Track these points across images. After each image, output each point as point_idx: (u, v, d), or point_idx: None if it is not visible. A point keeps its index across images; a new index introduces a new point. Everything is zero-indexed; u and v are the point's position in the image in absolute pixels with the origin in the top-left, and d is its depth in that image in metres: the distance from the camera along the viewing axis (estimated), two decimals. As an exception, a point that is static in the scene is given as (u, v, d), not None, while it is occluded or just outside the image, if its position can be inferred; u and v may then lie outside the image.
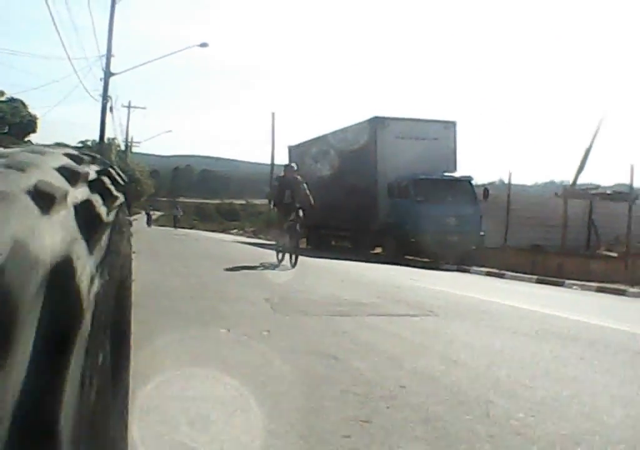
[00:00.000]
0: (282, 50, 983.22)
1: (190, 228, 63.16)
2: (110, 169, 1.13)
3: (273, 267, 14.01)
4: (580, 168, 24.97)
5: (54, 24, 41.32)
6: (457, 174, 24.29)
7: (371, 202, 24.05)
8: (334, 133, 29.03)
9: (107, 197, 0.95)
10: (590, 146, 24.83)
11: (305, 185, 15.21)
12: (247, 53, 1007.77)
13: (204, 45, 31.04)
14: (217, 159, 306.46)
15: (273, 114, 50.81)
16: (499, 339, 6.31)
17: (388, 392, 4.12)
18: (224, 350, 5.08)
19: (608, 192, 26.39)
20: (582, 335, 6.72)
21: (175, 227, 56.98)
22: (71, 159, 0.89)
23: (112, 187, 1.04)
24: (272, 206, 18.20)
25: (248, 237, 43.69)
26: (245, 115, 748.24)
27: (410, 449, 3.13)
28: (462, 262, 19.80)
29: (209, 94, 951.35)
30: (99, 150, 32.24)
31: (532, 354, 5.56)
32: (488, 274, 18.00)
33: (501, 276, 17.46)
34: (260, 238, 39.83)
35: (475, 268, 18.80)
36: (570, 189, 24.89)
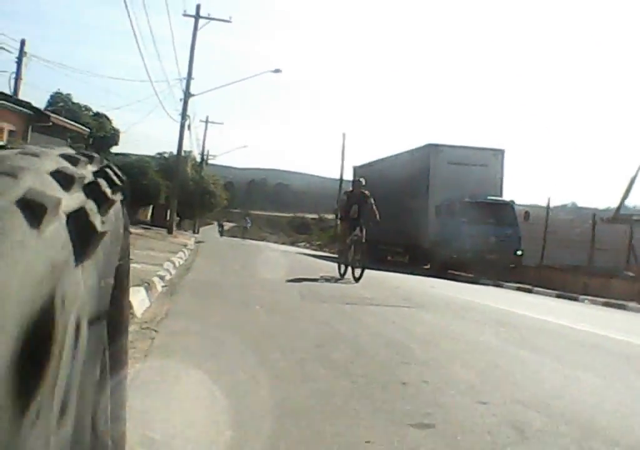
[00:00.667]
0: (354, 70, 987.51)
1: (261, 240, 65.72)
2: (107, 169, 1.04)
3: (334, 280, 14.55)
4: (625, 196, 26.66)
5: (140, 50, 44.55)
6: (502, 198, 26.27)
7: (422, 221, 26.47)
8: (395, 156, 32.09)
9: (102, 202, 0.87)
10: (636, 175, 26.45)
11: (372, 200, 15.49)
12: (318, 72, 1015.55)
13: (277, 71, 33.94)
14: (293, 173, 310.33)
15: (344, 134, 54.16)
16: (459, 323, 8.60)
17: (347, 337, 6.52)
18: (258, 317, 7.57)
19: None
20: (546, 327, 9.00)
21: (243, 237, 60.00)
22: (67, 160, 0.86)
23: (108, 190, 0.95)
24: (338, 220, 18.73)
25: (314, 250, 46.22)
26: (320, 131, 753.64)
27: (338, 357, 5.53)
28: (499, 278, 21.78)
29: (285, 110, 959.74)
30: (176, 162, 35.29)
31: (476, 334, 7.88)
32: (518, 288, 19.96)
33: (529, 291, 19.45)
34: (324, 251, 42.36)
35: (508, 284, 20.80)
36: (616, 215, 26.64)
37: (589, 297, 17.43)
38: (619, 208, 26.99)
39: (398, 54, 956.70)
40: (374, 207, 15.33)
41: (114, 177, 1.05)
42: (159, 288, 8.78)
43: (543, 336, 8.06)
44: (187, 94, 31.71)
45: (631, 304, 16.23)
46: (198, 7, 32.47)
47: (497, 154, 27.56)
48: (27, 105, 22.83)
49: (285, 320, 7.41)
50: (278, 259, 23.30)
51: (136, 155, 49.49)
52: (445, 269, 24.02)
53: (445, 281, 19.45)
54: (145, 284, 7.82)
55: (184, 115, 31.52)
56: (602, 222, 26.14)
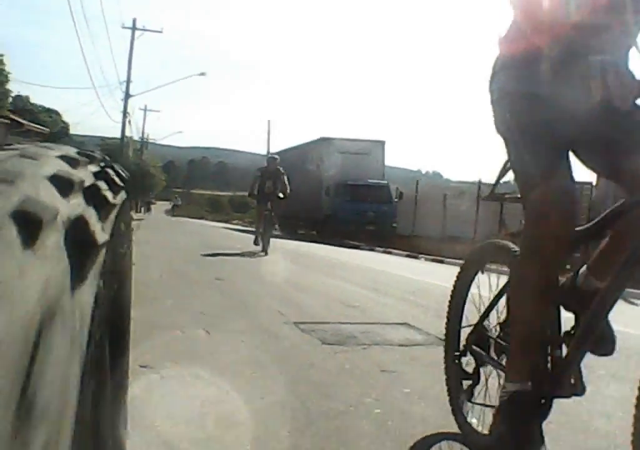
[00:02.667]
0: (282, 53, 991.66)
1: (200, 218, 70.86)
2: (109, 170, 0.98)
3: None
4: (500, 177, 32.49)
5: (84, 59, 50.80)
6: (381, 181, 32.93)
7: (317, 200, 33.13)
8: (298, 146, 38.98)
9: (102, 208, 0.82)
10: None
11: (286, 176, 16.74)
12: (249, 51, 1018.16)
13: (202, 74, 40.26)
14: (234, 151, 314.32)
15: (269, 122, 60.66)
16: (310, 273, 14.62)
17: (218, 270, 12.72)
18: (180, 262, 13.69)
19: (518, 196, 34.32)
20: (360, 267, 15.30)
21: (173, 215, 66.03)
22: (67, 162, 0.81)
23: (109, 194, 0.90)
24: (248, 195, 17.87)
25: (243, 226, 51.84)
26: (256, 110, 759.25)
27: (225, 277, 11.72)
28: (378, 245, 27.99)
29: (219, 92, 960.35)
30: (118, 148, 41.42)
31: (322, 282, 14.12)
32: (384, 251, 25.98)
33: (389, 253, 25.54)
34: (252, 227, 48.36)
35: (378, 248, 27.01)
36: (491, 194, 32.53)
37: (427, 256, 23.52)
38: (494, 188, 32.86)
39: (329, 47, 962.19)
40: (287, 182, 16.61)
41: (115, 177, 1.00)
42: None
43: (348, 270, 14.09)
44: (127, 95, 37.92)
45: (448, 260, 22.38)
46: (134, 20, 38.66)
47: (378, 145, 34.33)
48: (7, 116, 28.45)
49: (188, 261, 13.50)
50: (202, 231, 29.80)
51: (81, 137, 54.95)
52: (333, 238, 30.29)
53: (336, 247, 24.72)
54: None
55: (125, 114, 37.79)
56: (480, 199, 31.83)
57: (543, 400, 2.49)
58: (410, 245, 27.38)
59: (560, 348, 2.52)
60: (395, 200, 31.67)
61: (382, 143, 34.50)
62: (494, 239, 3.21)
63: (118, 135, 42.82)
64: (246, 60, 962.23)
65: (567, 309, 2.65)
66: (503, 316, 2.90)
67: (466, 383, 3.13)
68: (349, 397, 3.78)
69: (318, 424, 3.28)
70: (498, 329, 2.95)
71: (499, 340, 2.89)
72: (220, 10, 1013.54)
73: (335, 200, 31.47)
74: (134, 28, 38.55)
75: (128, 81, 37.66)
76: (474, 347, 3.07)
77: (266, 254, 15.55)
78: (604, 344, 2.58)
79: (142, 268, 9.94)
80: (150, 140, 71.02)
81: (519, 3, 2.65)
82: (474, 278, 3.27)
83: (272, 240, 16.47)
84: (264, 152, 57.81)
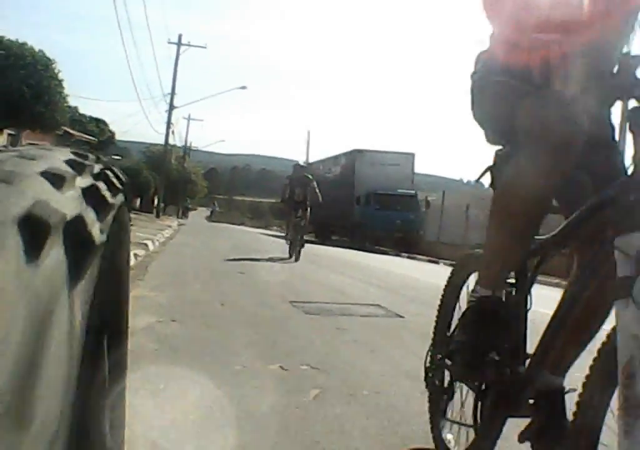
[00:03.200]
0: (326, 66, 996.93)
1: (240, 224, 72.92)
2: (107, 171, 0.97)
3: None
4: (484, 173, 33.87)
5: (131, 75, 53.33)
6: (409, 190, 34.75)
7: (349, 208, 35.07)
8: (330, 158, 41.54)
9: (101, 208, 0.81)
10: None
11: (315, 183, 16.62)
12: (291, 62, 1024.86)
13: (243, 88, 42.31)
14: (277, 158, 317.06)
15: (308, 132, 62.54)
16: (322, 270, 16.40)
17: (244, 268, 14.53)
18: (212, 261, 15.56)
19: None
20: (370, 267, 17.06)
21: (210, 220, 68.15)
22: (67, 163, 0.79)
23: (108, 194, 0.89)
24: (281, 201, 17.94)
25: (281, 232, 53.82)
26: (297, 120, 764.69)
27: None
28: (405, 251, 29.84)
29: (261, 102, 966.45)
30: (162, 156, 43.54)
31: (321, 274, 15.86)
32: (408, 257, 27.83)
33: (414, 258, 27.26)
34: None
35: (403, 254, 28.76)
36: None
37: (446, 261, 24.84)
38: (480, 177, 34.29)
39: (370, 61, 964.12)
40: (317, 190, 16.50)
41: (114, 179, 1.00)
42: (156, 244, 16.54)
43: (356, 269, 15.80)
44: (171, 107, 40.09)
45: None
46: (180, 36, 40.92)
47: (408, 157, 36.51)
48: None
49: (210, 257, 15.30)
50: (234, 234, 31.83)
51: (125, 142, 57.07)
52: (364, 244, 32.16)
53: (363, 252, 26.65)
54: (150, 241, 15.59)
55: (168, 125, 40.03)
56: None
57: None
58: (436, 251, 29.00)
59: (524, 364, 2.43)
60: (423, 209, 33.52)
61: (411, 155, 36.58)
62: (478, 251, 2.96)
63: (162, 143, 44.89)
64: (288, 70, 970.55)
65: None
66: None
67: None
68: (308, 338, 5.55)
69: (283, 346, 5.03)
70: None
71: None
72: (260, 20, 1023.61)
73: (365, 208, 33.40)
74: (179, 43, 40.80)
75: (172, 94, 39.95)
76: (447, 360, 2.80)
77: (297, 260, 15.29)
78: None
79: (177, 263, 11.84)
80: (194, 148, 73.37)
81: (498, 17, 2.48)
82: (463, 285, 3.07)
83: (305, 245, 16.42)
84: (304, 160, 59.83)
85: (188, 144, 70.41)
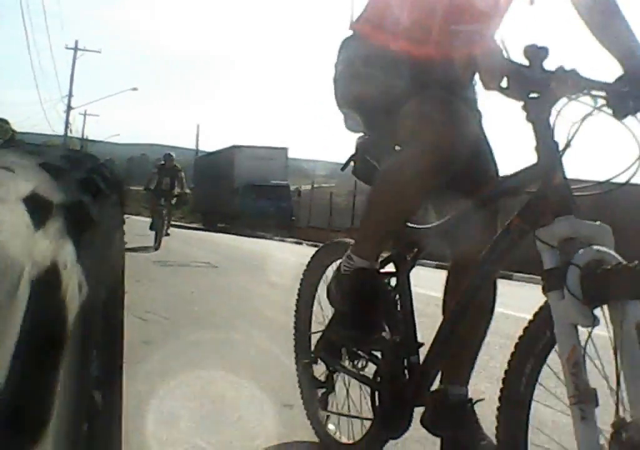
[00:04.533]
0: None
1: (137, 214, 75.16)
2: (101, 166, 1.03)
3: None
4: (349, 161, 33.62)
5: (34, 77, 57.23)
6: (282, 182, 39.58)
7: (230, 198, 39.46)
8: (214, 152, 46.93)
9: (97, 196, 0.86)
10: None
11: (183, 174, 17.16)
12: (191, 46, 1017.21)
13: (134, 89, 46.80)
14: (179, 148, 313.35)
15: (198, 126, 67.30)
16: (188, 247, 20.77)
17: None
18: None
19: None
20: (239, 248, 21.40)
21: None
22: (64, 159, 0.85)
23: (103, 185, 0.94)
24: (144, 189, 18.11)
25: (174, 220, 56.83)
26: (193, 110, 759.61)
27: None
28: (279, 235, 33.88)
29: (162, 89, 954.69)
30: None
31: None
32: (280, 240, 31.51)
33: (283, 241, 30.97)
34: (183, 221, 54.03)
35: (277, 238, 32.73)
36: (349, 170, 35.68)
37: (308, 242, 27.96)
38: (345, 165, 34.91)
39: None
40: (184, 180, 17.17)
41: (108, 174, 1.04)
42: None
43: (208, 243, 19.65)
44: (69, 108, 44.10)
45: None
46: (76, 42, 45.45)
47: (282, 151, 41.45)
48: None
49: None
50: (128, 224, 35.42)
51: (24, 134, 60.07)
52: (242, 229, 36.15)
53: (239, 237, 30.24)
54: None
55: (67, 125, 44.11)
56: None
57: (403, 411, 2.40)
58: (307, 234, 32.63)
59: (417, 353, 2.42)
60: (295, 198, 38.60)
61: (284, 150, 41.63)
62: (340, 239, 2.99)
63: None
64: (184, 63, 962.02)
65: (434, 433, 2.48)
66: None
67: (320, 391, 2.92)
68: (159, 274, 10.08)
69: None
70: None
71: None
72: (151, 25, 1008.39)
73: (243, 198, 37.72)
74: (75, 49, 44.97)
75: (70, 96, 44.11)
76: (324, 353, 2.84)
77: (157, 248, 15.00)
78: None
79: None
80: (91, 139, 76.46)
81: None
82: (320, 279, 3.06)
83: (189, 231, 19.26)
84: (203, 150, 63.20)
85: (85, 137, 73.44)
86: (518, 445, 1.88)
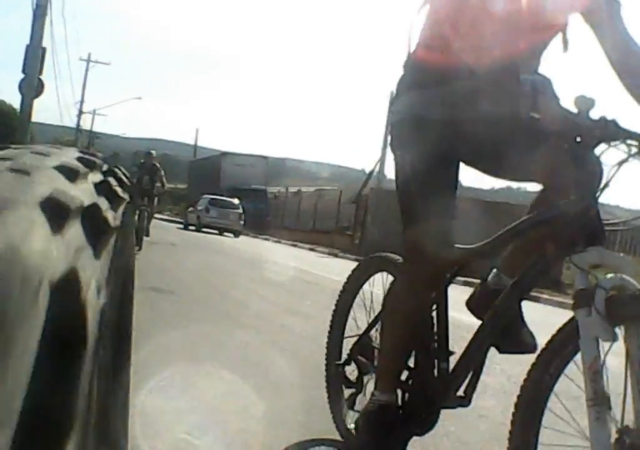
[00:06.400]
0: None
1: None
2: (116, 170, 1.00)
3: None
4: (364, 186, 30.18)
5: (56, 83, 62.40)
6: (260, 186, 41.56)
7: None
8: (206, 158, 49.43)
9: (113, 200, 0.85)
10: (373, 170, 31.43)
11: (163, 172, 16.16)
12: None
13: (138, 98, 50.40)
14: (182, 144, 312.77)
15: (197, 130, 71.39)
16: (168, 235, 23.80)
17: None
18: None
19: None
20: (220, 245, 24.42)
21: None
22: (80, 161, 0.81)
23: (118, 189, 0.92)
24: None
25: (170, 216, 53.85)
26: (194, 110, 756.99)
27: None
28: (258, 233, 36.22)
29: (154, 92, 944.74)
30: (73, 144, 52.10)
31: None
32: (254, 236, 33.85)
33: (256, 237, 33.24)
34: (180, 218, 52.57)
35: (256, 235, 34.95)
36: (356, 199, 30.20)
37: (275, 238, 30.94)
38: (359, 193, 29.94)
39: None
40: (164, 179, 16.15)
41: (123, 177, 1.01)
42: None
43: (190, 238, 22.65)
44: (80, 112, 49.43)
45: (284, 242, 29.24)
46: (89, 54, 49.15)
47: (262, 159, 44.63)
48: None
49: None
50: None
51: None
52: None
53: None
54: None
55: (78, 126, 49.28)
56: (346, 203, 32.20)
57: (424, 414, 2.57)
58: (279, 233, 34.58)
59: (447, 361, 2.56)
60: (271, 201, 40.70)
61: (265, 158, 44.44)
62: (382, 253, 3.12)
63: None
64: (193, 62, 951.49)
65: (477, 316, 2.58)
66: None
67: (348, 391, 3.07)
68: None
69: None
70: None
71: None
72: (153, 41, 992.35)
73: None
74: (88, 60, 49.04)
75: (82, 102, 48.47)
76: (359, 356, 3.01)
77: (140, 248, 13.72)
78: (523, 342, 2.53)
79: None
80: (99, 132, 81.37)
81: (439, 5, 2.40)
82: (358, 291, 3.21)
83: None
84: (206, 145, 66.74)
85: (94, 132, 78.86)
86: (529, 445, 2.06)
